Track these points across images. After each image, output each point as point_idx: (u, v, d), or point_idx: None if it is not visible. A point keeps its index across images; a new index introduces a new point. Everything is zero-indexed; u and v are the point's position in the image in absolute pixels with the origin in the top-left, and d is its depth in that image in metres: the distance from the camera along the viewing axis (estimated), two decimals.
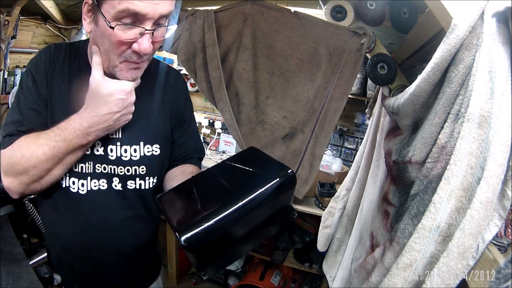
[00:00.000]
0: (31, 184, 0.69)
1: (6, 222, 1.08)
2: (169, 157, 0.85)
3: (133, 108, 0.71)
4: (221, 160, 0.68)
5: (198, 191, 0.62)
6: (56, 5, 1.75)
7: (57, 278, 0.80)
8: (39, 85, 0.73)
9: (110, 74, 0.68)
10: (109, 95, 0.66)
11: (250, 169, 0.62)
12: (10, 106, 1.75)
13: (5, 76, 1.70)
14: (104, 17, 0.60)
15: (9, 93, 1.74)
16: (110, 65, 0.67)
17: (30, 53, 1.84)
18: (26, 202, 1.35)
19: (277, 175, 0.59)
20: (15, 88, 1.75)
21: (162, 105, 0.82)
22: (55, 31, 1.91)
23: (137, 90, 0.75)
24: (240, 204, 0.55)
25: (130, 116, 0.72)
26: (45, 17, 1.81)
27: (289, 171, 0.60)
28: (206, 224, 0.53)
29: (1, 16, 1.56)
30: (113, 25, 0.60)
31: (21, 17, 1.65)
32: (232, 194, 0.57)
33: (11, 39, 1.65)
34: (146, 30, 0.62)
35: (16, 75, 1.77)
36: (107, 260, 0.81)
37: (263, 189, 0.56)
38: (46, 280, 0.80)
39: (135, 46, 0.63)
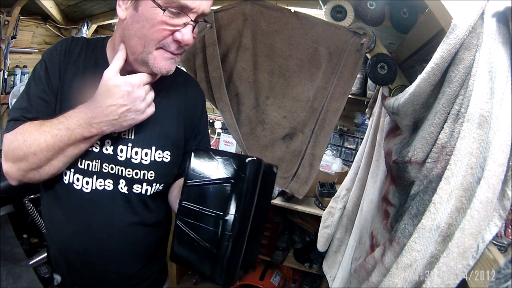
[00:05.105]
0: (29, 172, 0.67)
1: (6, 222, 1.09)
2: (179, 166, 0.83)
3: (142, 106, 0.68)
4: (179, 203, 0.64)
5: (193, 230, 0.61)
6: (56, 5, 1.75)
7: (57, 278, 0.80)
8: (51, 76, 0.71)
9: (141, 62, 0.67)
10: (115, 86, 0.65)
11: (216, 181, 0.60)
12: (9, 104, 1.75)
13: (5, 76, 1.70)
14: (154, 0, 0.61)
15: (9, 93, 1.74)
16: (144, 51, 0.65)
17: (30, 53, 1.84)
18: (26, 202, 1.35)
19: (247, 173, 0.57)
20: (15, 88, 1.75)
21: (178, 112, 0.80)
22: (55, 31, 1.91)
23: (155, 93, 0.73)
24: (233, 223, 0.56)
25: (140, 116, 0.69)
26: (45, 17, 1.81)
27: (250, 160, 0.57)
28: (226, 258, 0.56)
29: (1, 16, 1.56)
30: (164, 8, 0.61)
31: (21, 17, 1.65)
32: (219, 217, 0.57)
33: (11, 39, 1.65)
34: (191, 20, 0.64)
35: (16, 75, 1.77)
36: (106, 265, 0.78)
37: (243, 197, 0.57)
38: (46, 280, 0.80)
39: (177, 35, 0.64)
